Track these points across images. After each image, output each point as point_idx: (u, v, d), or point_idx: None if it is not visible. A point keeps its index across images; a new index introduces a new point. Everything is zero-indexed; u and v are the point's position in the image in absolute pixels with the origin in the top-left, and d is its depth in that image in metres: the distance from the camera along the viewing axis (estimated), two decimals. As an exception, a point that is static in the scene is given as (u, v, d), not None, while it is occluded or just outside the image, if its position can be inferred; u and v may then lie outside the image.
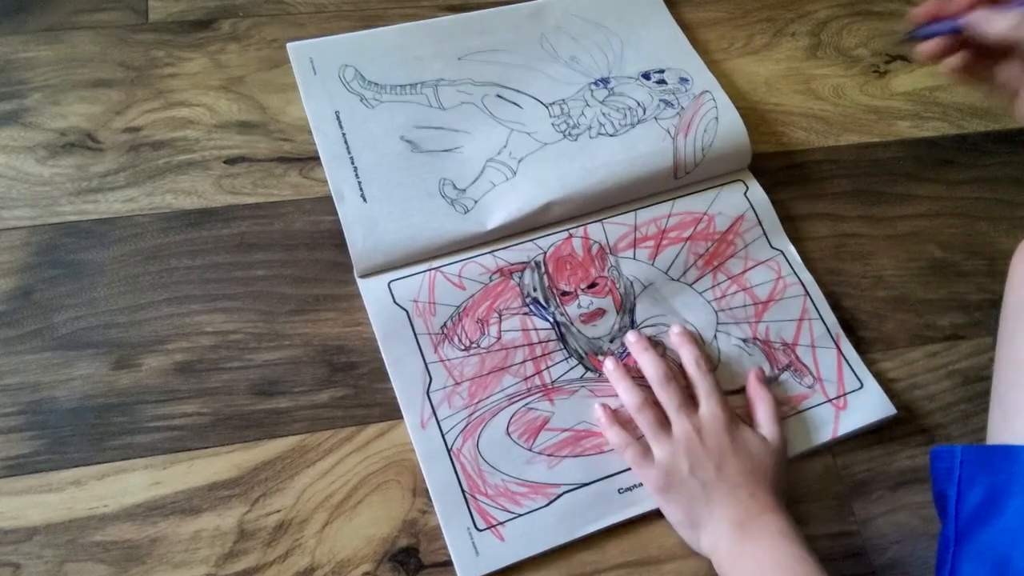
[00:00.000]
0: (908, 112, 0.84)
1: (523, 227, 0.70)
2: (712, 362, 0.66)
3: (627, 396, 0.62)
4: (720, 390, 0.62)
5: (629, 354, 0.65)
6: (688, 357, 0.62)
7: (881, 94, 0.85)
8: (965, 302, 0.73)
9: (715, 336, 0.68)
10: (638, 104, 0.76)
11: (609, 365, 0.64)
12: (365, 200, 0.69)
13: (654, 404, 0.61)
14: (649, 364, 0.62)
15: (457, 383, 0.63)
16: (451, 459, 0.60)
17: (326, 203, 0.70)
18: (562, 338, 0.66)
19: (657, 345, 0.66)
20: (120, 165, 0.71)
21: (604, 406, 0.63)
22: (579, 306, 0.67)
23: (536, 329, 0.66)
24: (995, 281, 0.74)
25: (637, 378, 0.63)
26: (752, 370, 0.65)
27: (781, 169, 0.78)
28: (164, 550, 0.56)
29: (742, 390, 0.65)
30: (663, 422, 0.60)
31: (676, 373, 0.62)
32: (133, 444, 0.59)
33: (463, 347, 0.65)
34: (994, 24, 0.53)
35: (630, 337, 0.65)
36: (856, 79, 0.86)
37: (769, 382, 0.66)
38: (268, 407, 0.62)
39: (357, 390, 0.63)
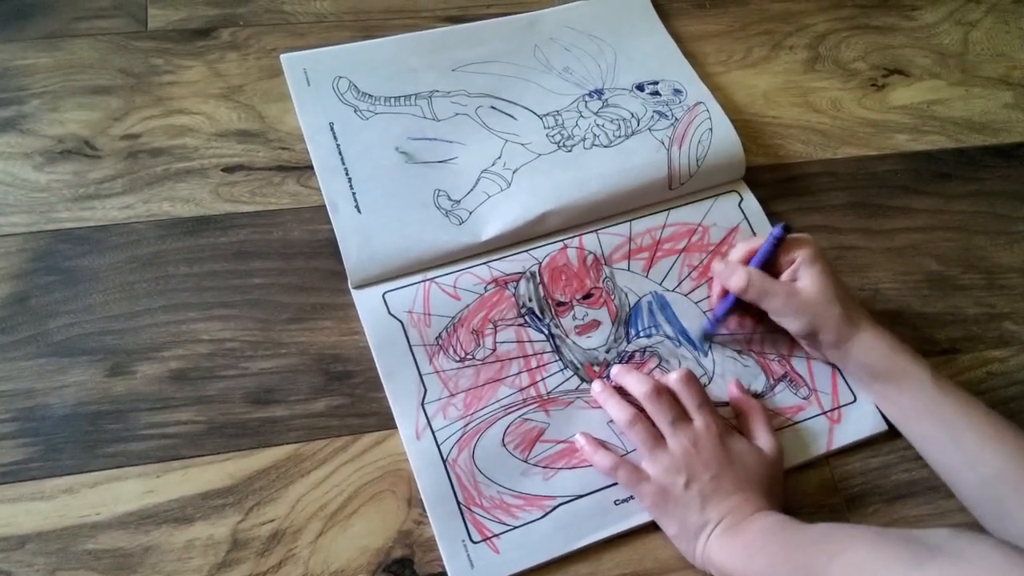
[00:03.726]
0: (906, 126, 0.84)
1: (518, 238, 0.70)
2: (706, 375, 0.66)
3: (617, 412, 0.62)
4: (711, 401, 0.62)
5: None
6: (672, 376, 0.62)
7: (879, 107, 0.85)
8: (962, 316, 0.73)
9: (710, 347, 0.68)
10: (632, 115, 0.77)
11: (596, 387, 0.64)
12: (359, 211, 0.69)
13: (646, 419, 0.61)
14: (636, 382, 0.62)
15: (452, 394, 0.63)
16: (446, 470, 0.60)
17: (324, 212, 0.70)
18: (557, 349, 0.66)
19: (652, 356, 0.66)
20: (118, 172, 0.71)
21: (585, 434, 0.62)
22: (574, 318, 0.67)
23: (531, 341, 0.66)
24: (992, 295, 0.74)
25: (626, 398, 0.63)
26: (731, 382, 0.65)
27: (779, 181, 0.78)
28: (156, 559, 0.56)
29: (737, 402, 0.65)
30: (656, 436, 0.60)
31: (665, 388, 0.61)
32: (127, 452, 0.59)
33: (458, 358, 0.64)
34: (730, 283, 0.64)
35: (613, 370, 0.64)
36: (854, 92, 0.86)
37: (765, 394, 0.66)
38: (263, 416, 0.62)
39: (353, 399, 0.63)
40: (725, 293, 0.66)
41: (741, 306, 0.66)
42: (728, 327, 0.68)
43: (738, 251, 0.66)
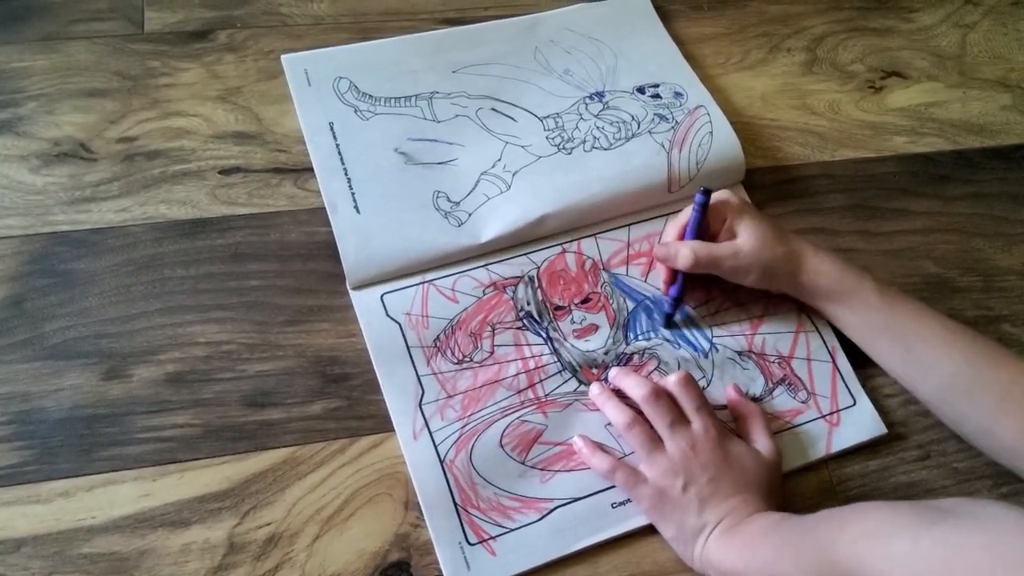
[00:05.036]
0: (904, 128, 0.84)
1: (517, 240, 0.70)
2: (705, 378, 0.66)
3: (615, 415, 0.61)
4: (709, 404, 0.61)
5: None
6: (670, 379, 0.62)
7: (876, 109, 0.85)
8: (961, 318, 0.72)
9: (710, 350, 0.67)
10: (632, 118, 0.76)
11: (595, 390, 0.64)
12: (359, 212, 0.69)
13: (644, 421, 0.61)
14: (634, 385, 0.62)
15: (450, 396, 0.63)
16: (444, 471, 0.60)
17: (321, 214, 0.70)
18: (555, 352, 0.66)
19: (651, 359, 0.66)
20: (114, 175, 0.71)
21: (583, 436, 0.62)
22: (572, 321, 0.67)
23: (529, 344, 0.66)
24: (990, 297, 0.74)
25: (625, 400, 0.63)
26: (730, 386, 0.65)
27: (777, 184, 0.78)
28: (152, 563, 0.55)
29: (736, 405, 0.65)
30: (655, 439, 0.60)
31: (663, 391, 0.61)
32: (123, 455, 0.59)
33: (456, 361, 0.64)
34: (678, 263, 0.65)
35: (611, 372, 0.64)
36: (852, 94, 0.86)
37: (763, 397, 0.66)
38: (260, 419, 0.61)
39: (350, 402, 0.63)
40: (673, 276, 0.67)
41: (690, 280, 0.67)
42: (687, 305, 0.69)
43: (671, 230, 0.68)
